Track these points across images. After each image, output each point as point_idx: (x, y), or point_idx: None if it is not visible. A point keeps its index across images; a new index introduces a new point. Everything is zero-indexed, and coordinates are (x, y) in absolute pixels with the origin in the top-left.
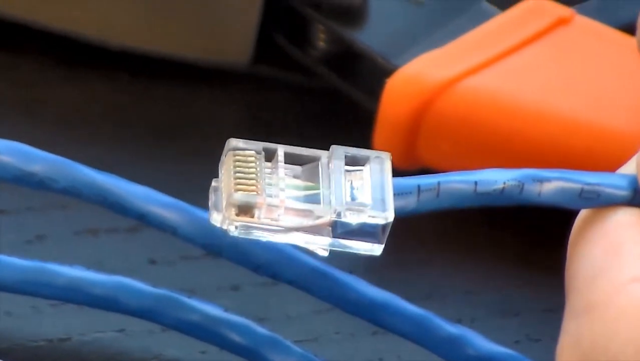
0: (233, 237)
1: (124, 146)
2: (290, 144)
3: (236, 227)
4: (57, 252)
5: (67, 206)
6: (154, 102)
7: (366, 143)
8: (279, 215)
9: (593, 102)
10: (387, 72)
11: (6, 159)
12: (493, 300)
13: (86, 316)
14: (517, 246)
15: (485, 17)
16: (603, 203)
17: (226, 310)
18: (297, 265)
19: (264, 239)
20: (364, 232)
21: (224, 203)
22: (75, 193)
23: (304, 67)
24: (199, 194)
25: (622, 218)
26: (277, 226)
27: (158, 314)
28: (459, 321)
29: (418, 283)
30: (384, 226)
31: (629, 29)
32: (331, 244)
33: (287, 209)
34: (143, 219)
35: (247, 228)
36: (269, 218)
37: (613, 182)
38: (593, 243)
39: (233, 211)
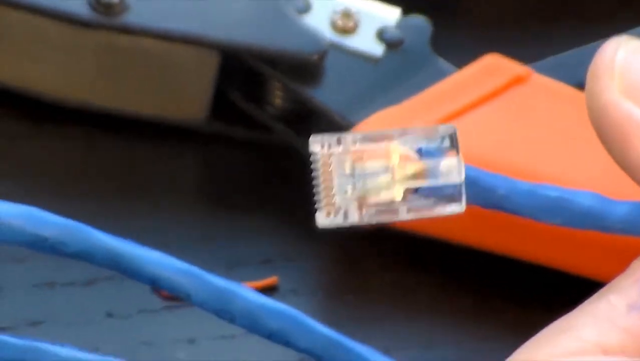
0: (245, 304)
1: (82, 202)
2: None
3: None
4: (15, 306)
5: (24, 259)
6: (112, 158)
7: None
8: None
9: (550, 161)
10: (343, 129)
11: (18, 223)
12: (451, 355)
13: None
14: (475, 301)
15: (441, 74)
16: None
17: None
18: (311, 334)
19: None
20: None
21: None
22: (87, 258)
23: (260, 124)
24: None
25: (616, 299)
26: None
27: None
28: None
29: (376, 337)
30: None
31: None
32: None
33: None
34: (156, 284)
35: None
36: None
37: None
38: (582, 308)
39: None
